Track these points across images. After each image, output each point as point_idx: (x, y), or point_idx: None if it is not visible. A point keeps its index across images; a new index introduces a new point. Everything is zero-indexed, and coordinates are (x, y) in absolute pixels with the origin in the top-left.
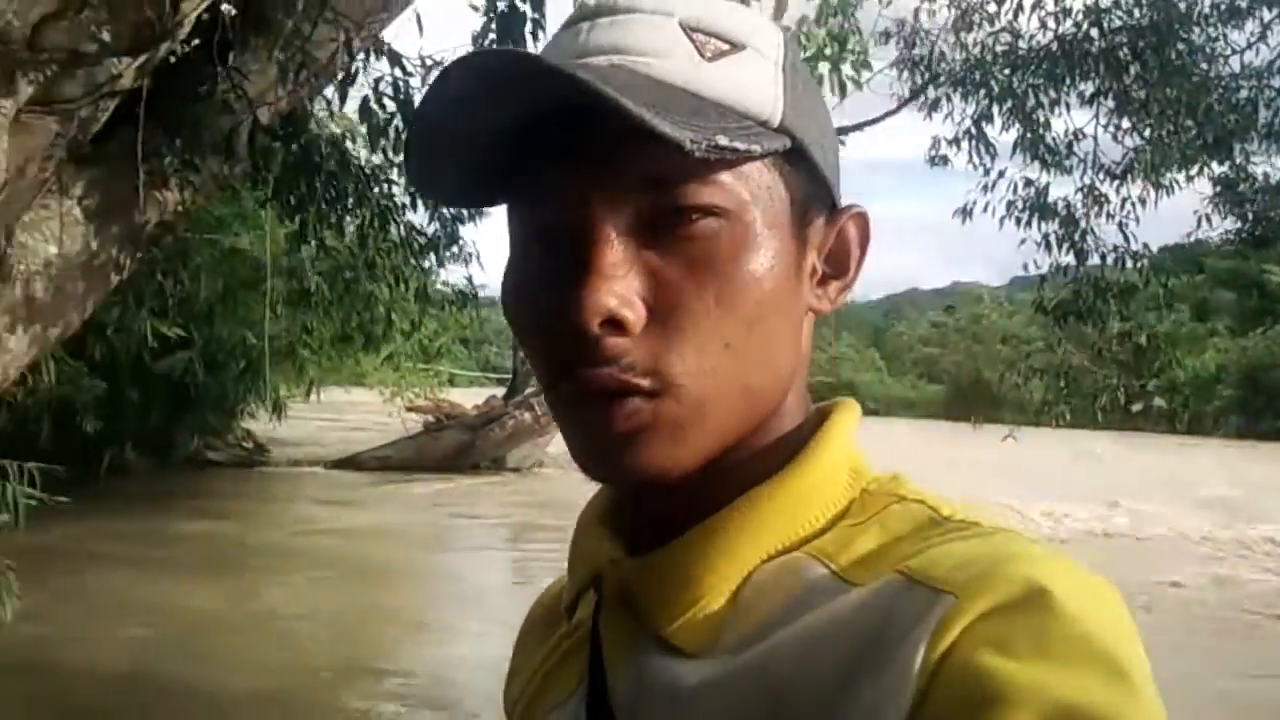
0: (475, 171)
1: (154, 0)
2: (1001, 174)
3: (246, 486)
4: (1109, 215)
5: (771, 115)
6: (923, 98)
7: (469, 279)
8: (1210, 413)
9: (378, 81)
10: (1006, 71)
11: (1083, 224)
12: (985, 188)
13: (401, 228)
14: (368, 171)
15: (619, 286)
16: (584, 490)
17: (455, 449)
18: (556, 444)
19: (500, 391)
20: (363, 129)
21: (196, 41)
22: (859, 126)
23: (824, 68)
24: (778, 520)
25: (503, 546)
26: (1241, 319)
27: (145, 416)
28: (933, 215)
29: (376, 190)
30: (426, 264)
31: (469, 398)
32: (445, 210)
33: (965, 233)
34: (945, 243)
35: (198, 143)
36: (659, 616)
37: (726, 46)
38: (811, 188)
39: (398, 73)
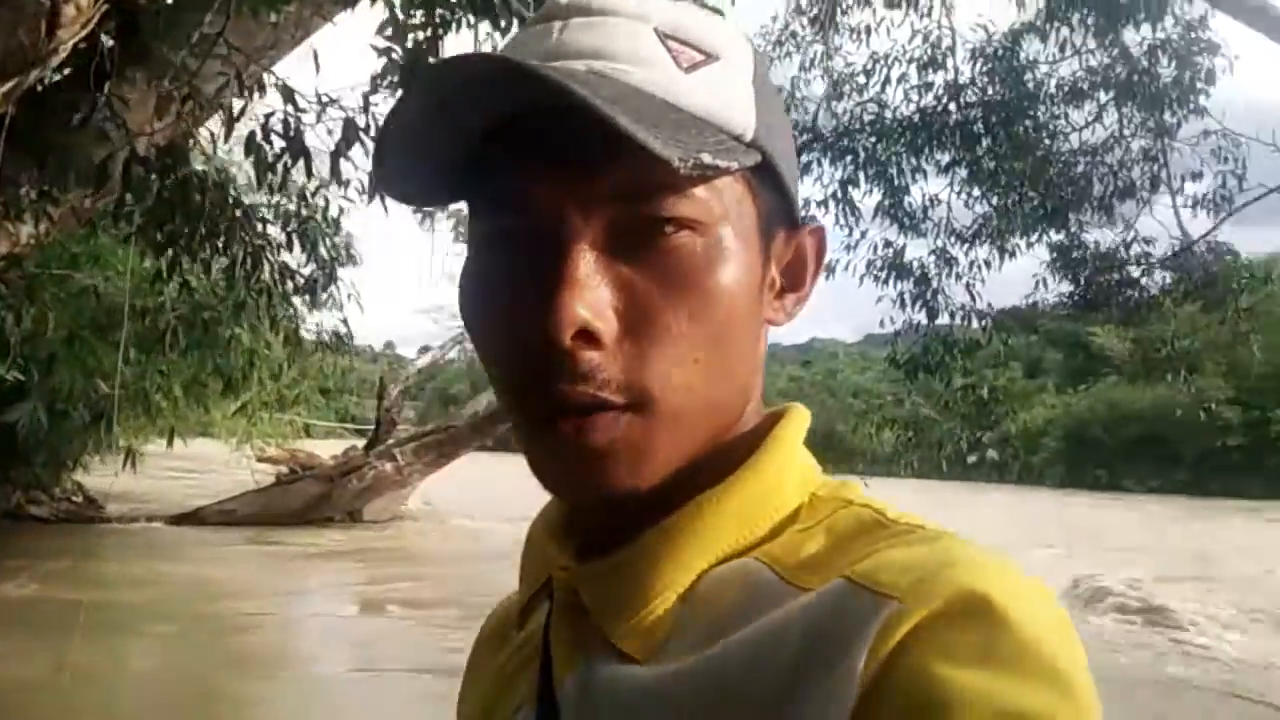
0: (440, 170)
1: (29, 26)
2: (864, 234)
3: (66, 543)
4: (958, 276)
5: (745, 130)
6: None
7: (344, 322)
8: (1037, 463)
9: (268, 117)
10: (872, 140)
11: (935, 283)
12: (848, 248)
13: (275, 268)
14: (245, 209)
15: (592, 297)
16: (438, 542)
17: (308, 502)
18: (416, 496)
19: (361, 442)
20: (246, 165)
21: (69, 70)
22: None
23: None
24: (726, 525)
25: (344, 610)
26: (1068, 377)
27: None
28: None
29: (254, 229)
30: (293, 309)
31: (327, 449)
32: (324, 252)
33: (824, 292)
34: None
35: (63, 173)
36: (607, 622)
37: (701, 57)
38: (776, 202)
39: (289, 109)
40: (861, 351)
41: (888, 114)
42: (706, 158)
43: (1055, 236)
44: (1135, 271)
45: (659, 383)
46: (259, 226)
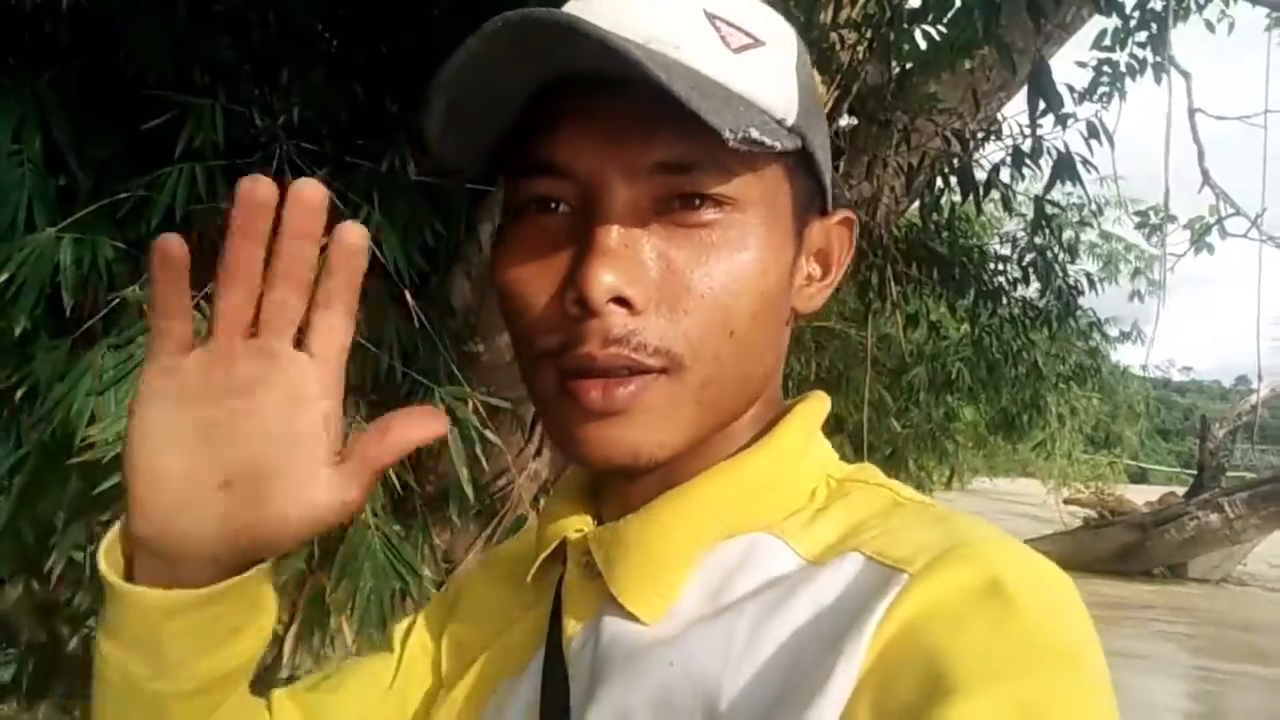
0: (484, 139)
1: None
2: None
3: None
4: None
5: (787, 114)
6: None
7: (1092, 352)
8: None
9: (941, 155)
10: None
11: None
12: None
13: (1014, 303)
14: (980, 249)
15: (630, 265)
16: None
17: (1119, 550)
18: (1256, 556)
19: (1184, 489)
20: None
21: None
22: None
23: None
24: (738, 496)
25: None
26: None
27: None
28: None
29: (989, 269)
30: (1036, 338)
31: (1147, 494)
32: (1062, 283)
33: None
34: None
35: None
36: (620, 584)
37: (749, 40)
38: (811, 190)
39: (954, 144)
40: None
41: None
42: (754, 133)
43: None
44: None
45: (693, 349)
46: (997, 265)
